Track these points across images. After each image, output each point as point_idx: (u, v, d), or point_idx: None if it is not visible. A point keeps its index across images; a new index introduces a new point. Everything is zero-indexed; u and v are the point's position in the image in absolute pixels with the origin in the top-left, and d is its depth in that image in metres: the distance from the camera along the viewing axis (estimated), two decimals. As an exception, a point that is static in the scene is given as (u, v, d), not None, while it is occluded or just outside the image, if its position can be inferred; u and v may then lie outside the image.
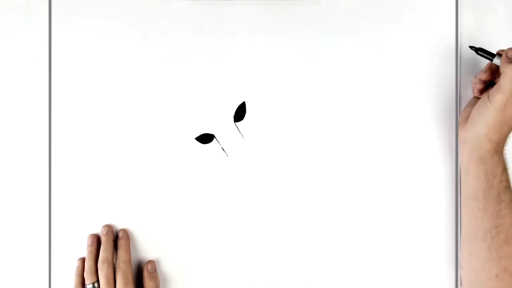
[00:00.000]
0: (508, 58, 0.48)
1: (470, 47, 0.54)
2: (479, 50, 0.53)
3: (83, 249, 0.54)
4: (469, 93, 0.58)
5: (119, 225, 0.55)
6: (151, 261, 0.54)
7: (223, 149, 0.54)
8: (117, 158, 0.56)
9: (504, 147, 0.49)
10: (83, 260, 0.53)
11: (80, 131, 0.56)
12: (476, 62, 0.59)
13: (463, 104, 0.57)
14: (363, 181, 0.56)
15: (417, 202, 0.55)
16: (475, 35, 0.59)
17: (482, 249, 0.47)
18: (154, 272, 0.53)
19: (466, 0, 0.59)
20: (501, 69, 0.48)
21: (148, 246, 0.55)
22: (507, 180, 0.48)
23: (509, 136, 0.49)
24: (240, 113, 0.52)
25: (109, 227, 0.54)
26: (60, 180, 0.55)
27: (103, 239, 0.53)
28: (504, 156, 0.49)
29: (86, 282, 0.51)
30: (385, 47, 0.58)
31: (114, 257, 0.53)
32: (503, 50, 0.49)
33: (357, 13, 0.58)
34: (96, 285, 0.51)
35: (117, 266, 0.52)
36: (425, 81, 0.58)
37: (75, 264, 0.53)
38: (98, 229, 0.55)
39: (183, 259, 0.55)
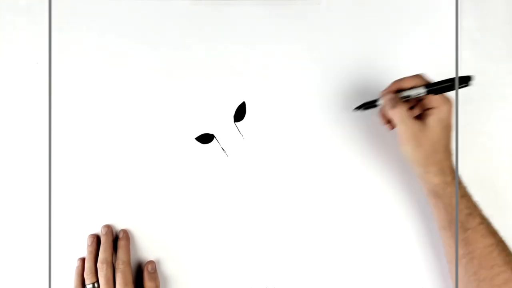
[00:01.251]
0: (387, 102, 0.47)
1: (355, 109, 0.52)
2: (363, 106, 0.51)
3: (83, 249, 0.53)
4: (469, 93, 0.58)
5: (119, 225, 0.55)
6: (151, 262, 0.54)
7: (223, 149, 0.54)
8: (117, 158, 0.56)
9: (456, 175, 0.47)
10: (83, 260, 0.53)
11: (80, 131, 0.56)
12: (476, 62, 0.59)
13: (463, 103, 0.57)
14: (362, 181, 0.56)
15: (415, 204, 0.55)
16: (475, 35, 0.59)
17: (460, 274, 0.47)
18: (154, 272, 0.53)
19: (466, 0, 0.59)
20: (389, 116, 0.46)
21: (148, 247, 0.55)
22: (468, 207, 0.47)
23: (453, 165, 0.48)
24: (240, 113, 0.52)
25: (108, 227, 0.54)
26: (60, 180, 0.55)
27: (102, 240, 0.53)
28: (462, 184, 0.48)
29: (86, 282, 0.51)
30: (385, 47, 0.58)
31: (114, 257, 0.53)
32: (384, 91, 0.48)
33: (357, 13, 0.58)
34: (96, 285, 0.51)
35: (116, 266, 0.52)
36: (425, 81, 0.58)
37: (75, 264, 0.53)
38: (98, 229, 0.55)
39: (183, 260, 0.55)
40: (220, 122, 0.56)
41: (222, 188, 0.56)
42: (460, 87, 0.44)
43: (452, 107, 0.45)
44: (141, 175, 0.56)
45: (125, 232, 0.54)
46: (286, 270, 0.55)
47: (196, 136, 0.52)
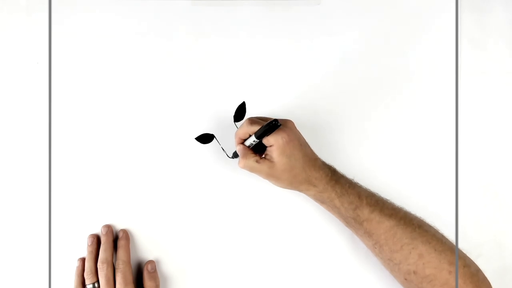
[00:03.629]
0: (239, 154, 0.49)
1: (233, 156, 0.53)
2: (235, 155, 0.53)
3: (83, 249, 0.53)
4: (469, 93, 0.58)
5: (119, 225, 0.55)
6: (151, 261, 0.54)
7: (223, 149, 0.54)
8: (117, 158, 0.56)
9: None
10: (83, 260, 0.53)
11: (80, 131, 0.56)
12: (475, 62, 0.59)
13: (463, 103, 0.57)
14: (364, 181, 0.56)
15: (416, 202, 0.55)
16: (475, 35, 0.59)
17: (383, 264, 0.49)
18: (154, 272, 0.53)
19: (466, 0, 0.59)
20: (267, 142, 0.48)
21: (148, 246, 0.55)
22: (351, 202, 0.48)
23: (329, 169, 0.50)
24: (240, 113, 0.52)
25: (108, 227, 0.54)
26: (60, 180, 0.55)
27: (102, 239, 0.53)
28: (343, 178, 0.50)
29: (86, 282, 0.51)
30: (385, 47, 0.58)
31: (114, 257, 0.53)
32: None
33: (357, 13, 0.58)
34: (96, 285, 0.51)
35: (116, 266, 0.52)
36: (425, 81, 0.58)
37: (75, 264, 0.53)
38: (98, 229, 0.55)
39: (183, 259, 0.55)
40: (220, 122, 0.56)
41: (222, 188, 0.56)
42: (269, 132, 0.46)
43: (286, 136, 0.47)
44: (141, 175, 0.56)
45: (125, 232, 0.54)
46: (285, 270, 0.55)
47: (196, 136, 0.52)
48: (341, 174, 0.51)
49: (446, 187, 0.56)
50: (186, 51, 0.57)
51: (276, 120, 0.46)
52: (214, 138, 0.53)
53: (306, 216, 0.56)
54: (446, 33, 0.59)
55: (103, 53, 0.57)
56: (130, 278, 0.51)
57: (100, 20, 0.57)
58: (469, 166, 0.57)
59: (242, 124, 0.49)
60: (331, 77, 0.58)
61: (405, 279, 0.47)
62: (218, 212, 0.55)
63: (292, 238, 0.55)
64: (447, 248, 0.46)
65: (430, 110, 0.57)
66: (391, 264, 0.48)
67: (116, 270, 0.51)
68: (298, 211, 0.56)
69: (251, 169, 0.49)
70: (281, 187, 0.50)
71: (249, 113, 0.52)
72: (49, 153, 0.56)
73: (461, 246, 0.48)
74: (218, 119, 0.56)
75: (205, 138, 0.53)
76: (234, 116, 0.52)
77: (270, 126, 0.46)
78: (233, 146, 0.54)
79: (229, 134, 0.55)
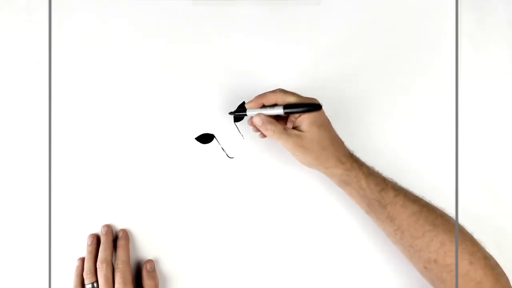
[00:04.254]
0: (257, 122, 0.49)
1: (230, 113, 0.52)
2: (233, 114, 0.52)
3: (83, 249, 0.53)
4: (469, 93, 0.58)
5: (118, 225, 0.55)
6: (150, 261, 0.54)
7: (223, 149, 0.54)
8: (117, 158, 0.56)
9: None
10: (83, 260, 0.53)
11: (80, 131, 0.56)
12: (475, 62, 0.59)
13: (463, 103, 0.57)
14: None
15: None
16: (475, 35, 0.59)
17: (403, 251, 0.48)
18: (153, 271, 0.53)
19: (466, 0, 0.59)
20: (264, 133, 0.48)
21: (147, 246, 0.55)
22: (377, 184, 0.48)
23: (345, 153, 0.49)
24: (240, 113, 0.52)
25: (108, 227, 0.54)
26: (60, 180, 0.55)
27: (102, 239, 0.53)
28: (364, 164, 0.49)
29: (86, 282, 0.51)
30: (385, 47, 0.58)
31: (114, 257, 0.53)
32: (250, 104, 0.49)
33: (357, 13, 0.58)
34: (95, 285, 0.51)
35: (115, 266, 0.51)
36: (425, 81, 0.58)
37: (75, 264, 0.53)
38: (98, 229, 0.55)
39: (182, 259, 0.55)
40: (220, 122, 0.56)
41: (222, 188, 0.56)
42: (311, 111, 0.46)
43: (316, 112, 0.46)
44: (141, 175, 0.56)
45: (125, 231, 0.54)
46: (284, 269, 0.55)
47: (196, 136, 0.52)
48: (362, 161, 0.50)
49: (446, 187, 0.56)
50: (186, 51, 0.57)
51: (319, 105, 0.45)
52: (214, 138, 0.53)
53: (306, 216, 0.55)
54: (446, 33, 0.59)
55: (103, 53, 0.57)
56: (129, 278, 0.51)
57: (100, 20, 0.57)
58: (469, 166, 0.57)
59: (274, 90, 0.48)
60: (331, 76, 0.58)
61: (425, 267, 0.46)
62: (218, 212, 0.55)
63: (291, 238, 0.55)
64: (467, 239, 0.45)
65: (430, 110, 0.57)
66: (412, 251, 0.46)
67: (116, 270, 0.51)
68: (298, 211, 0.56)
69: (278, 137, 0.47)
70: (306, 163, 0.49)
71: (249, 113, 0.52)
72: (49, 153, 0.56)
73: (461, 246, 0.48)
74: (218, 119, 0.56)
75: (205, 138, 0.53)
76: (234, 116, 0.52)
77: (314, 106, 0.45)
78: (233, 146, 0.54)
79: (229, 134, 0.55)
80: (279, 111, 0.47)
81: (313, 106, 0.46)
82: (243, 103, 0.52)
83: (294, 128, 0.49)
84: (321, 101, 0.48)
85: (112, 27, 0.57)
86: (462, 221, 0.54)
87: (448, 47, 0.58)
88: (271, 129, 0.47)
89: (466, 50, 0.58)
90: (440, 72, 0.58)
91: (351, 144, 0.52)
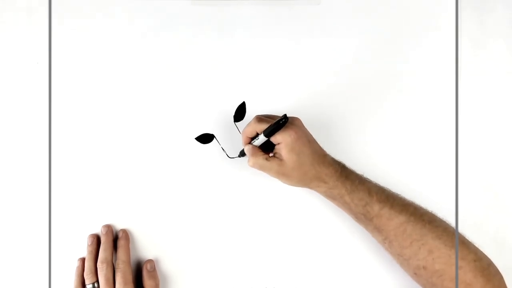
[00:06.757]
0: (247, 154, 0.50)
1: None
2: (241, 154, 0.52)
3: (83, 249, 0.53)
4: (469, 93, 0.58)
5: (119, 225, 0.55)
6: (150, 260, 0.54)
7: (223, 149, 0.54)
8: (117, 158, 0.56)
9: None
10: (83, 260, 0.53)
11: (80, 131, 0.56)
12: (475, 62, 0.59)
13: (463, 103, 0.57)
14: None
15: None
16: (475, 35, 0.59)
17: (393, 258, 0.49)
18: (154, 271, 0.53)
19: (466, 1, 0.59)
20: (275, 140, 0.48)
21: (147, 246, 0.55)
22: (361, 199, 0.48)
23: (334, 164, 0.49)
24: (240, 113, 0.52)
25: (108, 227, 0.54)
26: (60, 180, 0.55)
27: (102, 239, 0.53)
28: (353, 174, 0.49)
29: (86, 282, 0.51)
30: (385, 47, 0.58)
31: (114, 257, 0.53)
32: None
33: (357, 13, 0.58)
34: (96, 285, 0.51)
35: (116, 266, 0.52)
36: (425, 81, 0.58)
37: (75, 264, 0.53)
38: (98, 229, 0.55)
39: (182, 259, 0.55)
40: (220, 122, 0.56)
41: (222, 188, 0.56)
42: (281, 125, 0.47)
43: (294, 133, 0.47)
44: (141, 175, 0.56)
45: (125, 231, 0.54)
46: (284, 269, 0.55)
47: (196, 136, 0.52)
48: (350, 170, 0.51)
49: (446, 187, 0.56)
50: (186, 51, 0.57)
51: (285, 116, 0.46)
52: (214, 138, 0.53)
53: (305, 216, 0.56)
54: (446, 33, 0.59)
55: (103, 53, 0.57)
56: (129, 278, 0.51)
57: (100, 20, 0.57)
58: (469, 166, 0.57)
59: (250, 122, 0.49)
60: (331, 76, 0.58)
61: (415, 274, 0.47)
62: (218, 211, 0.55)
63: (291, 238, 0.55)
64: (459, 243, 0.46)
65: (430, 110, 0.57)
66: (401, 259, 0.48)
67: (116, 270, 0.51)
68: (298, 211, 0.56)
69: (261, 168, 0.49)
70: (291, 185, 0.50)
71: (249, 113, 0.52)
72: (49, 153, 0.56)
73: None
74: (218, 119, 0.56)
75: (205, 138, 0.53)
76: (234, 116, 0.52)
77: (278, 124, 0.46)
78: (233, 146, 0.54)
79: (229, 134, 0.55)
80: (261, 138, 0.48)
81: (280, 120, 0.46)
82: (243, 103, 0.52)
83: (275, 154, 0.49)
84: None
85: (112, 27, 0.57)
86: (462, 221, 0.54)
87: (448, 47, 0.58)
88: (252, 161, 0.49)
89: (466, 50, 0.58)
90: (440, 72, 0.58)
91: (350, 145, 0.52)
